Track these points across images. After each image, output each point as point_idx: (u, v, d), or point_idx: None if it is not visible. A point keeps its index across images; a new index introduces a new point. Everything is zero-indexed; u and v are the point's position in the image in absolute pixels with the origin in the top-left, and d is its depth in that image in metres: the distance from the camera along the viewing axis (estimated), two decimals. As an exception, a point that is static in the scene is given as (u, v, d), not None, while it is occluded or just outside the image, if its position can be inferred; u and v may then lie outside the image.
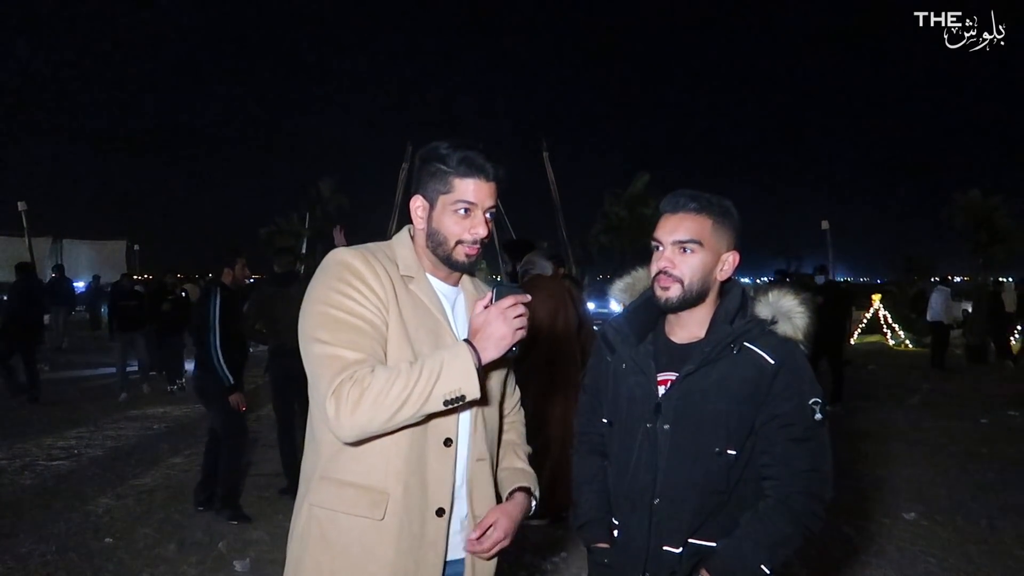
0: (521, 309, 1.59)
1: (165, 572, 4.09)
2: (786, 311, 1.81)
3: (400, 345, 1.62)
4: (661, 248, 1.81)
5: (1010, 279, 22.76)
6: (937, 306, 13.53)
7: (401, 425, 1.54)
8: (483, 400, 1.66)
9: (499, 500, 1.82)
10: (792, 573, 4.03)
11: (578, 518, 1.98)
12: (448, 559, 1.71)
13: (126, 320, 10.20)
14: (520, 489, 1.84)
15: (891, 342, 18.15)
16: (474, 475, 1.74)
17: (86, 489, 5.62)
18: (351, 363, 1.52)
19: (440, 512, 1.66)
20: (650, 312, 1.91)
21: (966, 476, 6.12)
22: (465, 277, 1.84)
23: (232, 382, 4.88)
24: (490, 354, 1.57)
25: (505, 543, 1.74)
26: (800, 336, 1.80)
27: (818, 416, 1.74)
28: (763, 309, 1.82)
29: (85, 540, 4.53)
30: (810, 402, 1.74)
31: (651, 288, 1.86)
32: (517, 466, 1.91)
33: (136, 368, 10.97)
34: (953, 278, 16.72)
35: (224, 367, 4.84)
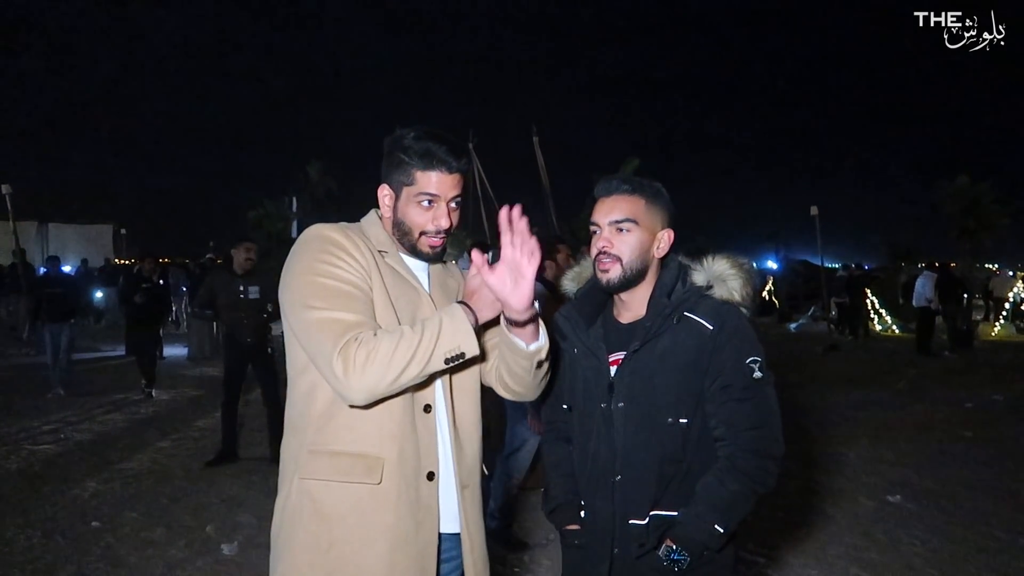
0: None
1: (152, 555, 4.08)
2: (719, 275, 1.87)
3: (385, 312, 1.65)
4: (599, 230, 1.86)
5: (993, 265, 23.04)
6: (923, 291, 13.61)
7: (406, 385, 1.56)
8: (471, 361, 1.67)
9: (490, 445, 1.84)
10: (777, 556, 4.06)
11: (548, 503, 2.03)
12: (442, 531, 1.73)
13: (51, 310, 8.83)
14: None
15: (878, 328, 18.27)
16: (455, 439, 1.77)
17: (73, 473, 5.59)
18: (352, 324, 1.54)
19: (431, 476, 1.70)
20: (597, 296, 1.97)
21: (951, 459, 6.17)
22: None
23: None
24: (485, 315, 1.63)
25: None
26: (737, 298, 1.85)
27: (757, 374, 1.79)
28: (698, 276, 1.88)
29: (72, 524, 4.51)
30: (747, 361, 1.79)
31: (594, 272, 1.90)
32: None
33: (125, 353, 10.89)
34: (938, 264, 16.88)
35: None
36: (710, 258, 1.90)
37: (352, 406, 1.60)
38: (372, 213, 1.82)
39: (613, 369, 1.87)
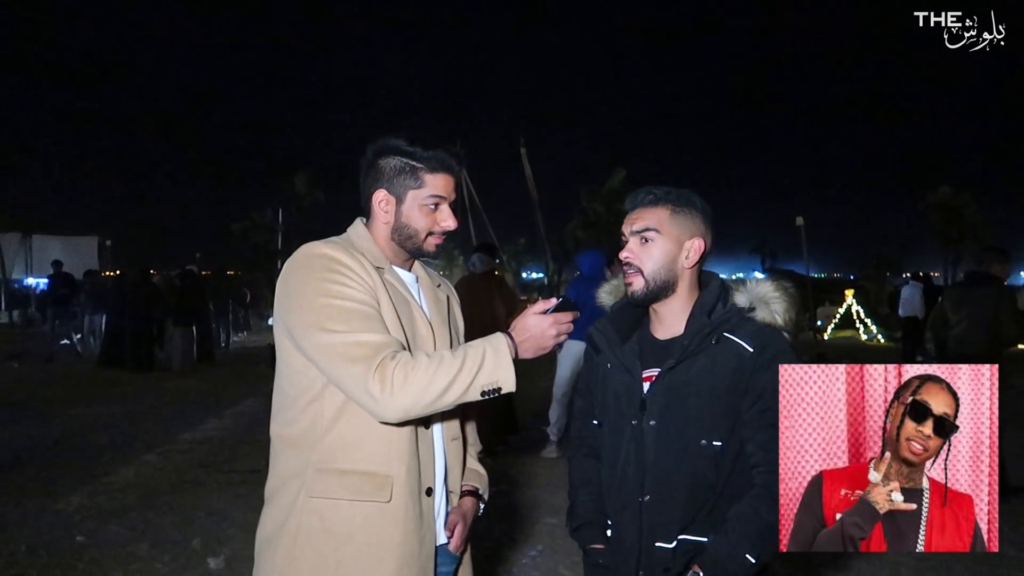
0: (571, 327, 1.65)
1: (138, 570, 4.04)
2: (762, 297, 1.82)
3: (394, 330, 1.65)
4: (626, 242, 1.85)
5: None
6: (911, 301, 13.70)
7: (440, 411, 1.58)
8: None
9: None
10: (774, 571, 4.07)
11: (573, 520, 1.99)
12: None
13: None
14: (469, 493, 1.89)
15: (863, 337, 18.40)
16: (450, 454, 1.81)
17: (57, 487, 5.53)
18: (380, 344, 1.54)
19: (429, 492, 1.72)
20: (633, 311, 1.92)
21: (936, 468, 6.20)
22: (417, 262, 1.88)
23: None
24: (527, 354, 1.63)
25: (460, 543, 1.84)
26: (779, 321, 1.80)
27: None
28: (740, 298, 1.84)
29: (56, 539, 4.46)
30: None
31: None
32: (470, 466, 1.96)
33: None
34: (920, 274, 17.04)
35: None
36: (753, 280, 1.87)
37: (384, 422, 1.60)
38: (359, 226, 1.80)
39: (646, 385, 1.82)
